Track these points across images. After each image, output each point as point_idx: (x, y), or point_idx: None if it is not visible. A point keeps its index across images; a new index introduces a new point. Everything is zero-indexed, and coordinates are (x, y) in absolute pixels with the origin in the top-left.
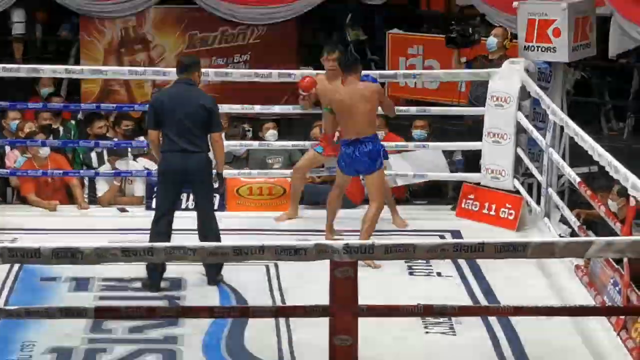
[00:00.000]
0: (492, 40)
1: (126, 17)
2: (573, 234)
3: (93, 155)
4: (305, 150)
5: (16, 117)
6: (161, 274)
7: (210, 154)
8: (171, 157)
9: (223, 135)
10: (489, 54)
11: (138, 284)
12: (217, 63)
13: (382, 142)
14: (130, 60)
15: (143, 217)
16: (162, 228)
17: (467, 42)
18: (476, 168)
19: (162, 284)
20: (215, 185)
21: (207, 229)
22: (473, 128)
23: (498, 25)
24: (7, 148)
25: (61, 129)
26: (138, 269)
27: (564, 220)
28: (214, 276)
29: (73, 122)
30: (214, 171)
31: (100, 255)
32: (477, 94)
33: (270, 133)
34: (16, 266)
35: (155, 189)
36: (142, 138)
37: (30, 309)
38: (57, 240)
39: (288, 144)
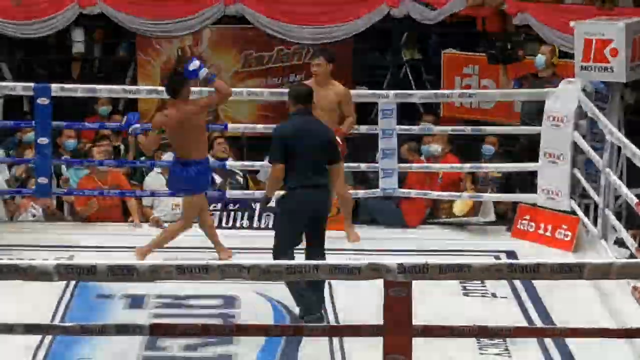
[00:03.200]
0: (540, 58)
1: (182, 37)
2: (631, 256)
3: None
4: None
5: (71, 135)
6: (318, 300)
7: None
8: (303, 193)
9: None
10: (537, 71)
11: (192, 302)
12: (272, 82)
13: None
14: None
15: (198, 236)
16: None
17: (507, 58)
18: (530, 188)
19: (215, 302)
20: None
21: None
22: (526, 147)
23: (546, 43)
24: (63, 167)
25: (122, 146)
26: (193, 286)
27: (619, 242)
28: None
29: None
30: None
31: (155, 273)
32: (529, 110)
33: None
34: (72, 283)
35: (275, 225)
36: None
37: (86, 325)
38: (113, 258)
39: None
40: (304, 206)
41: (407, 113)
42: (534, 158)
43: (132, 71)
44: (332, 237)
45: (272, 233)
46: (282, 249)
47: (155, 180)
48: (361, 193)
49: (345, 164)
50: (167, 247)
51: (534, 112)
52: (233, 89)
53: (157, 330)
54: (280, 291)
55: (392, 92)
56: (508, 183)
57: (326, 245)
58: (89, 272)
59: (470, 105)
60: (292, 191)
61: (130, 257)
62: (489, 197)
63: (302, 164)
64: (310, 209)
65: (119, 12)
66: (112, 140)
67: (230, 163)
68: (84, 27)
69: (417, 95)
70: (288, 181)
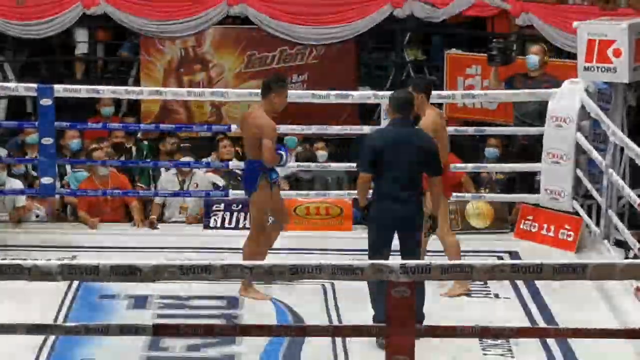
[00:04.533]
0: (533, 59)
1: (185, 37)
2: (634, 256)
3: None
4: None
5: (74, 135)
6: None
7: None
8: (388, 206)
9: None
10: (527, 71)
11: (195, 302)
12: None
13: None
14: (189, 80)
15: (200, 236)
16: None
17: (508, 60)
18: (530, 189)
19: (219, 302)
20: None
21: None
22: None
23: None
24: (68, 167)
25: (134, 148)
26: (196, 287)
27: (618, 244)
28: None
29: (146, 142)
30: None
31: (158, 273)
32: (527, 110)
33: (320, 154)
34: (75, 283)
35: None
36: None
37: (89, 325)
38: (116, 258)
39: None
40: (388, 220)
41: None
42: (533, 159)
43: (135, 72)
44: (335, 237)
45: None
46: (370, 256)
47: (169, 180)
48: None
49: (345, 165)
50: (172, 247)
51: (534, 113)
52: (236, 90)
53: (160, 331)
54: (282, 292)
55: None
56: (509, 185)
57: (329, 245)
58: (92, 273)
59: (473, 105)
60: (379, 202)
61: (133, 257)
62: (492, 197)
63: (391, 175)
64: (394, 223)
65: (122, 13)
66: (125, 141)
67: (232, 164)
68: (88, 27)
69: None
70: (377, 191)
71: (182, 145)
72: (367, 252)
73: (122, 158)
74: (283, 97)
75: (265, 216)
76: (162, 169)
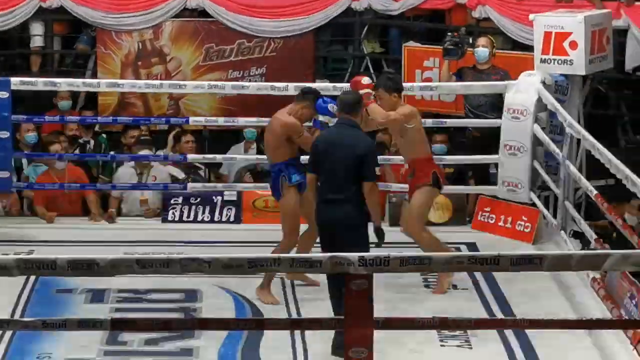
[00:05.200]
0: (483, 51)
1: (143, 30)
2: (590, 247)
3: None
4: None
5: (29, 128)
6: None
7: None
8: (320, 207)
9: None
10: (475, 64)
11: (153, 296)
12: (234, 76)
13: None
14: (147, 73)
15: (159, 230)
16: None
17: (463, 53)
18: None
19: (177, 296)
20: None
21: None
22: (478, 139)
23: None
24: (24, 161)
25: (92, 142)
26: (155, 281)
27: (575, 235)
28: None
29: (104, 135)
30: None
31: (116, 267)
32: (479, 102)
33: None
34: (32, 278)
35: None
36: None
37: (47, 320)
38: (73, 252)
39: None
40: (319, 221)
41: None
42: (486, 151)
43: (93, 65)
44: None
45: (232, 226)
46: None
47: (127, 173)
48: None
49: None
50: (131, 241)
51: (486, 105)
52: (194, 82)
53: (118, 325)
54: (241, 284)
55: None
56: (460, 177)
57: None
58: (49, 267)
59: (431, 98)
60: (317, 203)
61: (90, 251)
62: (454, 189)
63: (324, 176)
64: (323, 225)
65: (79, 6)
66: (80, 134)
67: (191, 156)
68: (44, 20)
69: None
70: (317, 191)
71: (141, 137)
72: None
73: (77, 151)
74: (312, 110)
75: (295, 221)
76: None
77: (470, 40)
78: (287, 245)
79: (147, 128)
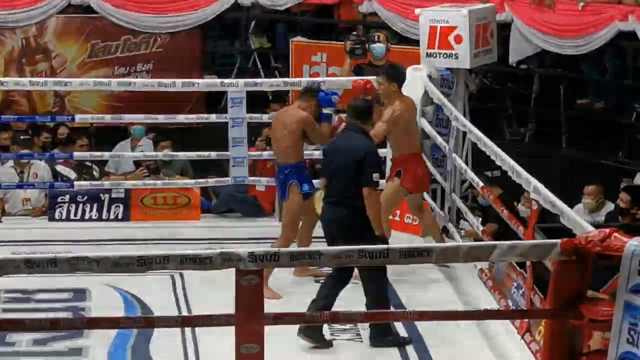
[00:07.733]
0: (381, 47)
1: (27, 27)
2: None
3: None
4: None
5: None
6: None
7: None
8: (324, 207)
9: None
10: (373, 60)
11: (41, 296)
12: (120, 72)
13: None
14: (32, 70)
15: (47, 229)
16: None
17: (366, 51)
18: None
19: (66, 295)
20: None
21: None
22: None
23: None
24: None
25: None
26: (42, 280)
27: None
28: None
29: None
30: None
31: (3, 267)
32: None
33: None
34: None
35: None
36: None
37: None
38: None
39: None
40: (323, 222)
41: (257, 102)
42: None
43: None
44: (184, 227)
45: (120, 224)
46: None
47: (7, 173)
48: (211, 181)
49: (197, 153)
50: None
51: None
52: (79, 79)
53: (5, 326)
54: (131, 283)
55: (241, 80)
56: None
57: (178, 236)
58: None
59: None
60: (323, 205)
61: None
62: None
63: (329, 181)
64: (323, 225)
65: None
66: None
67: (77, 154)
68: None
69: (266, 84)
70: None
71: (21, 137)
72: (218, 242)
73: None
74: (319, 107)
75: (296, 225)
76: None
77: (377, 38)
78: (283, 243)
79: (27, 126)
